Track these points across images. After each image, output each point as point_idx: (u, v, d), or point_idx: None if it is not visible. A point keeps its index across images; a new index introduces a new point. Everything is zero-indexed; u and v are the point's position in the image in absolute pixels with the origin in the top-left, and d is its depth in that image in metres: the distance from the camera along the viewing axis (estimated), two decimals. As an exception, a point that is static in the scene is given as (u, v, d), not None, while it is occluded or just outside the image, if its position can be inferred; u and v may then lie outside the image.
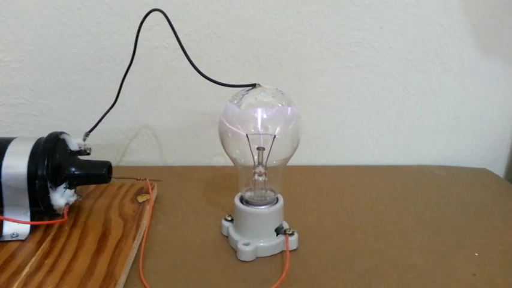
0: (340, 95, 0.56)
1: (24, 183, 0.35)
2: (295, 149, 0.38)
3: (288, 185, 0.45)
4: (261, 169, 0.37)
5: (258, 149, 0.37)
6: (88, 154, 0.42)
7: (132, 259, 0.36)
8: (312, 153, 0.58)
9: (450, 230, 0.41)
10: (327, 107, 0.56)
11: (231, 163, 0.43)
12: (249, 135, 0.35)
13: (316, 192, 0.49)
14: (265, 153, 0.36)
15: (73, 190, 0.41)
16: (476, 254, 0.37)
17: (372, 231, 0.41)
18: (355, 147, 0.57)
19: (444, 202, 0.47)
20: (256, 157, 0.37)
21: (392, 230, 0.41)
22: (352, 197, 0.48)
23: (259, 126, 0.35)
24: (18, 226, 0.36)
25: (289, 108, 0.37)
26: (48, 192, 0.37)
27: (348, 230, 0.41)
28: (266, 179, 0.38)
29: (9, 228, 0.36)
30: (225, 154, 0.41)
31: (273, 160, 0.37)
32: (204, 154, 0.58)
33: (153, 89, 0.54)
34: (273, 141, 0.35)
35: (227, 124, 0.37)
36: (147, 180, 0.47)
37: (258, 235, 0.37)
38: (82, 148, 0.42)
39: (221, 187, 0.50)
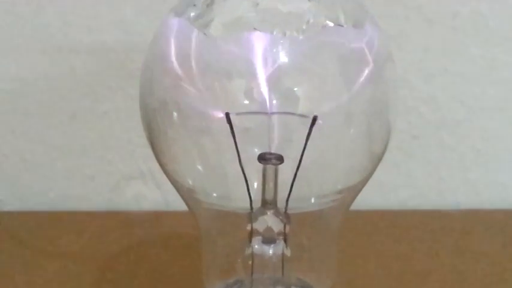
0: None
1: None
2: (377, 159, 0.35)
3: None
4: (271, 221, 0.34)
5: (264, 159, 0.33)
6: None
7: None
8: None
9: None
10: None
11: (177, 203, 0.41)
12: (233, 117, 0.32)
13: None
14: (285, 172, 0.33)
15: None
16: None
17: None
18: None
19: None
20: (256, 185, 0.34)
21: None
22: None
23: (263, 90, 0.32)
24: None
25: (364, 31, 0.34)
26: None
27: None
28: (287, 252, 0.34)
29: None
30: (159, 174, 0.41)
31: (311, 194, 0.34)
32: (95, 174, 0.56)
33: None
34: (308, 136, 0.32)
35: (167, 84, 0.34)
36: None
37: None
38: None
39: (147, 274, 0.47)
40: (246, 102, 0.32)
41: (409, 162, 0.59)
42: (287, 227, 0.34)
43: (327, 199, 0.34)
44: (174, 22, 0.34)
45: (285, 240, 0.34)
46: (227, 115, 0.31)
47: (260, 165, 0.33)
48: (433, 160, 0.59)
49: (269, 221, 0.34)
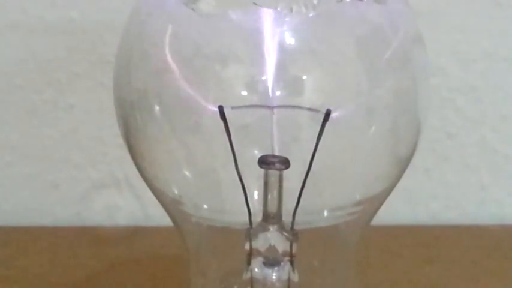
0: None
1: None
2: (404, 163, 0.35)
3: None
4: (274, 239, 0.34)
5: (266, 163, 0.33)
6: None
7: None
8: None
9: None
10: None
11: (158, 217, 0.44)
12: (228, 111, 0.32)
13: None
14: (291, 178, 0.33)
15: None
16: None
17: None
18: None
19: None
20: (256, 195, 0.34)
21: None
22: None
23: (264, 78, 0.32)
24: None
25: (387, 7, 0.34)
26: None
27: None
28: (294, 277, 0.34)
29: None
30: (137, 181, 0.45)
31: (323, 206, 0.35)
32: (59, 182, 0.57)
33: None
34: (320, 135, 0.32)
35: (148, 71, 0.34)
36: None
37: None
38: None
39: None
40: (244, 93, 0.32)
41: (443, 167, 0.59)
42: (294, 246, 0.33)
43: (342, 212, 0.34)
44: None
45: (292, 263, 0.33)
46: (221, 109, 0.30)
47: (261, 171, 0.32)
48: (472, 164, 0.59)
49: (272, 238, 0.33)
